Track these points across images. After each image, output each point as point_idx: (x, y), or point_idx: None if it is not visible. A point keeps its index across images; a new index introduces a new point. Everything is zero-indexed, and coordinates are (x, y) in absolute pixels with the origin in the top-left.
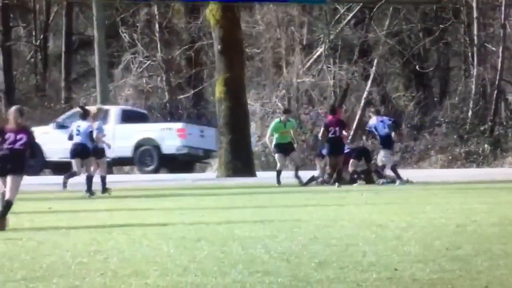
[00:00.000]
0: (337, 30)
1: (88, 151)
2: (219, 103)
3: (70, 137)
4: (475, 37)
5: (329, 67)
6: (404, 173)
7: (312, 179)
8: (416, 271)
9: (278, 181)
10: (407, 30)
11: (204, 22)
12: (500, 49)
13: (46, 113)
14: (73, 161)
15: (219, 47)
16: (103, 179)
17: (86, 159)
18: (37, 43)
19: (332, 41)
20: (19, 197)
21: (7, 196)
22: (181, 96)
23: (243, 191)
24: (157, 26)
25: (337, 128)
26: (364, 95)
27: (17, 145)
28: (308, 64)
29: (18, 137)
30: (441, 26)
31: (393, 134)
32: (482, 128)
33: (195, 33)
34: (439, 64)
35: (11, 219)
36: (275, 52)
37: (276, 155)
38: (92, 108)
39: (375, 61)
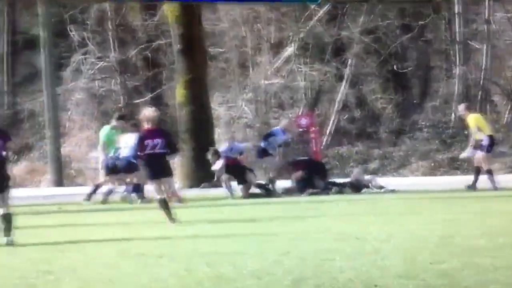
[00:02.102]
0: (308, 27)
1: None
2: (180, 108)
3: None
4: (457, 34)
5: (300, 68)
6: (383, 181)
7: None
8: None
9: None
10: (384, 27)
11: (162, 19)
12: (485, 47)
13: None
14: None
15: (178, 46)
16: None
17: None
18: None
19: (303, 40)
20: None
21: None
22: (138, 100)
23: (208, 203)
24: (110, 23)
25: None
26: (338, 98)
27: (157, 149)
28: (277, 64)
29: (156, 141)
30: (421, 22)
31: None
32: (466, 132)
33: (152, 31)
34: (418, 63)
35: None
36: (240, 51)
37: None
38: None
39: (350, 61)
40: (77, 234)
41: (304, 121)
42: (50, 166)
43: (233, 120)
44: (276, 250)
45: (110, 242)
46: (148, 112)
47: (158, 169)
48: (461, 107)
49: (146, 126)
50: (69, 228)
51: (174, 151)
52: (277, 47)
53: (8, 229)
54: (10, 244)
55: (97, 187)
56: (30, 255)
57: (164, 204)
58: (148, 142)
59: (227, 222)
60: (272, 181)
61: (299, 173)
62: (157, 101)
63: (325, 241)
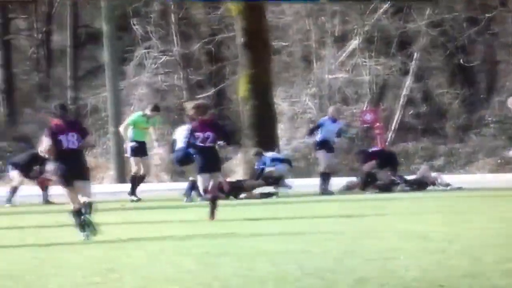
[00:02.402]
0: (373, 20)
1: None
2: (243, 103)
3: (174, 142)
4: None
5: (365, 62)
6: (449, 178)
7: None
8: (464, 287)
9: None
10: (450, 19)
11: (226, 12)
12: None
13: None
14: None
15: (242, 40)
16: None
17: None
18: (40, 37)
19: (367, 32)
20: (23, 210)
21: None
22: (201, 95)
23: (270, 200)
24: (173, 17)
25: None
26: (404, 92)
27: (207, 143)
28: (341, 58)
29: (206, 134)
30: (487, 15)
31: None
32: None
33: (215, 25)
34: (485, 57)
35: None
36: (304, 45)
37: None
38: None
39: (415, 55)
40: (140, 232)
41: (368, 117)
42: (113, 162)
43: (296, 116)
44: (339, 248)
45: (173, 240)
46: (193, 105)
47: (208, 163)
48: (510, 100)
49: (199, 118)
50: (131, 225)
51: (229, 143)
52: (342, 40)
53: (88, 222)
54: (89, 238)
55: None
56: (93, 253)
57: (213, 199)
58: (199, 134)
59: (291, 219)
60: (325, 176)
61: (371, 163)
62: (220, 96)
63: (389, 239)
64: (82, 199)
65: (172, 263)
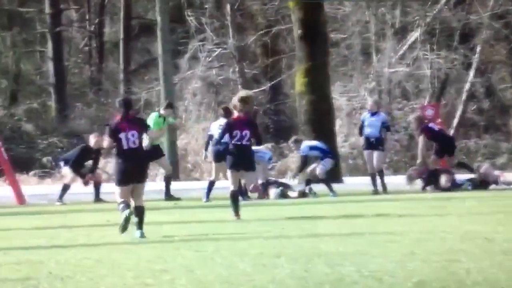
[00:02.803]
0: (434, 11)
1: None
2: (300, 97)
3: (209, 138)
4: None
5: (426, 55)
6: None
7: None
8: None
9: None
10: None
11: (282, 3)
12: None
13: (103, 110)
14: (215, 165)
15: (299, 32)
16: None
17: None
18: (92, 29)
19: (429, 24)
20: (75, 208)
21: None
22: (257, 90)
23: (328, 199)
24: (228, 8)
25: None
26: (466, 87)
27: (244, 142)
28: (402, 51)
29: (244, 133)
30: None
31: None
32: None
33: (272, 16)
34: None
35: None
36: (363, 37)
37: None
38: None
39: (478, 48)
40: (193, 232)
41: (429, 112)
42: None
43: (354, 111)
44: (399, 250)
45: (227, 240)
46: (240, 97)
47: (241, 161)
48: None
49: (237, 114)
50: (184, 225)
51: (261, 144)
52: (402, 32)
53: (140, 222)
54: (142, 237)
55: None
56: (145, 254)
57: (234, 197)
58: (237, 132)
59: (348, 219)
60: (375, 176)
61: (438, 160)
62: (276, 91)
63: (451, 241)
64: (135, 203)
65: (226, 265)
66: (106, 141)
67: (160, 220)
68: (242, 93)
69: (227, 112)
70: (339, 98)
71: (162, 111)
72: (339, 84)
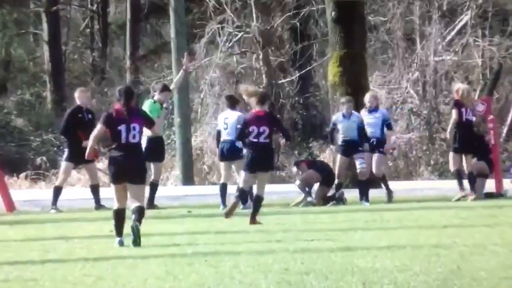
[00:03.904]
0: None
1: (237, 151)
2: (333, 89)
3: (218, 134)
4: None
5: (477, 41)
6: None
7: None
8: None
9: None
10: None
11: None
12: None
13: (106, 102)
14: (222, 165)
15: (332, 14)
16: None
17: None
18: (94, 8)
19: (481, 7)
20: (73, 217)
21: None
22: (284, 80)
23: (360, 207)
24: None
25: None
26: None
27: (261, 139)
28: (449, 37)
29: (261, 129)
30: None
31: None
32: None
33: None
34: None
35: None
36: (406, 21)
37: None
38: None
39: None
40: (209, 244)
41: (480, 107)
42: (179, 160)
43: (395, 105)
44: (445, 265)
45: (248, 254)
46: (253, 92)
47: (258, 161)
48: None
49: (256, 108)
50: (199, 236)
51: (289, 139)
52: (450, 15)
53: (138, 220)
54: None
55: None
56: (154, 270)
57: (241, 194)
58: (254, 128)
59: (386, 230)
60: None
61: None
62: (305, 81)
63: (502, 255)
64: (134, 204)
65: (247, 283)
66: (96, 131)
67: (171, 231)
68: (253, 88)
69: (233, 101)
70: (378, 91)
71: (157, 96)
72: (378, 74)
